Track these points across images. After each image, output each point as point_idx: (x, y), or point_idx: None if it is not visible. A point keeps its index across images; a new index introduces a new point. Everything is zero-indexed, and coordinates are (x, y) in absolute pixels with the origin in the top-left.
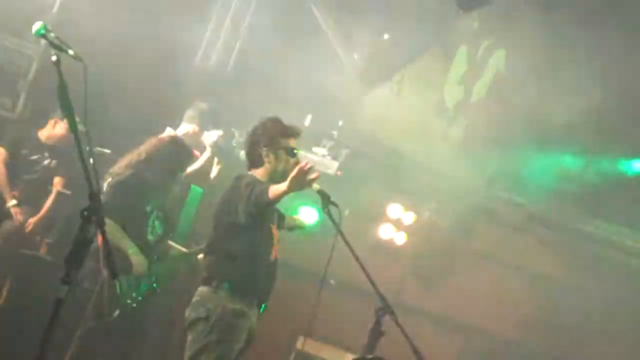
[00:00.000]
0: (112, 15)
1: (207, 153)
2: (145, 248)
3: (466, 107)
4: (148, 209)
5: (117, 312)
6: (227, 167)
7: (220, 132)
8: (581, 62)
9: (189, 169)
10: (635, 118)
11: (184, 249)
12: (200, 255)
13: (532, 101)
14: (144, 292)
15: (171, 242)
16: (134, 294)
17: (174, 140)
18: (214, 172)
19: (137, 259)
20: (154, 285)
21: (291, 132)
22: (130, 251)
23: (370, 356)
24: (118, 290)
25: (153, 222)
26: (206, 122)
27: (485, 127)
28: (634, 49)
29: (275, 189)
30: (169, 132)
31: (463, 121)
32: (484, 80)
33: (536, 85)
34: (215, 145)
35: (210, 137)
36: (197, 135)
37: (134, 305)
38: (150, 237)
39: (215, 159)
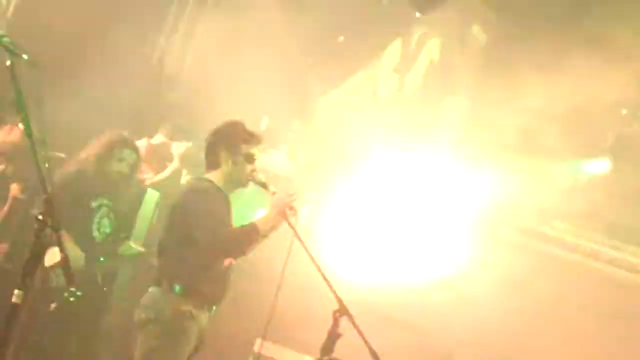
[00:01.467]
0: (67, 20)
1: (175, 164)
2: (89, 244)
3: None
4: (94, 205)
5: (53, 305)
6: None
7: (188, 144)
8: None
9: (156, 178)
10: (583, 118)
11: (140, 249)
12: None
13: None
14: (83, 287)
15: (131, 243)
16: (71, 288)
17: (117, 136)
18: (183, 182)
19: (73, 253)
20: (98, 281)
21: (252, 140)
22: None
23: (327, 358)
24: (53, 284)
25: (100, 219)
26: (176, 134)
27: None
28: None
29: (263, 227)
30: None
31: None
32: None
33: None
34: (183, 157)
35: (178, 148)
36: (167, 147)
37: (72, 299)
38: (95, 234)
39: (184, 170)
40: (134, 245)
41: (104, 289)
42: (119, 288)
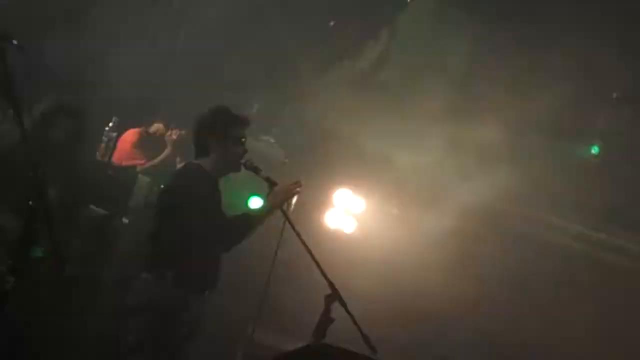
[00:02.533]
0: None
1: (168, 150)
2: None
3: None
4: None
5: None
6: None
7: (182, 131)
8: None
9: (147, 165)
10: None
11: (103, 211)
12: None
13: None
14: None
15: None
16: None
17: (52, 102)
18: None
19: (9, 224)
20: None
21: (239, 122)
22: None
23: (319, 342)
24: None
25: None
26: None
27: None
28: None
29: (258, 220)
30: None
31: None
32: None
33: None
34: (176, 143)
35: (172, 135)
36: (162, 133)
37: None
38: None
39: (178, 158)
40: (96, 209)
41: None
42: (109, 272)
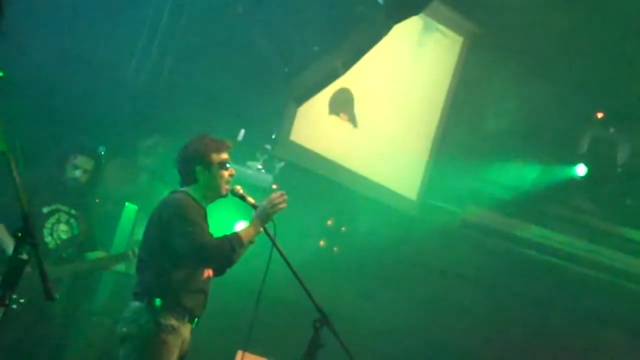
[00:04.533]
0: (43, 30)
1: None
2: (41, 249)
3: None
4: (46, 210)
5: None
6: None
7: None
8: (514, 63)
9: None
10: (566, 124)
11: (104, 254)
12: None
13: (463, 108)
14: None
15: (98, 252)
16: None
17: (73, 143)
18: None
19: None
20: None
21: (222, 147)
22: (8, 250)
23: None
24: None
25: (53, 224)
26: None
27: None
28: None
29: (246, 239)
30: None
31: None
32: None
33: (467, 91)
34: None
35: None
36: None
37: (14, 306)
38: (48, 239)
39: None
40: (104, 254)
41: (56, 296)
42: (99, 302)
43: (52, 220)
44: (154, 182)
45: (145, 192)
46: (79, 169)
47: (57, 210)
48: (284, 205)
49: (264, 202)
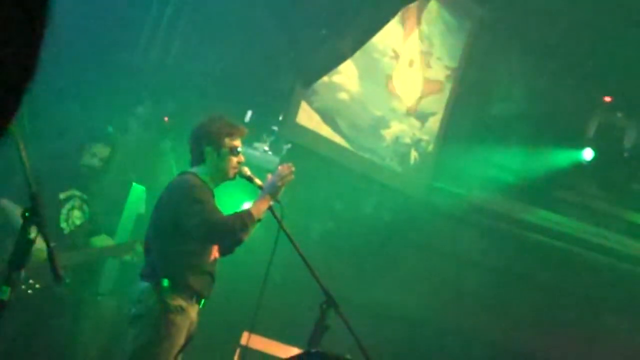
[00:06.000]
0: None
1: None
2: (56, 234)
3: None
4: (62, 196)
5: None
6: None
7: None
8: (521, 48)
9: None
10: (573, 109)
11: (111, 241)
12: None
13: (471, 91)
14: (42, 279)
15: (105, 236)
16: (30, 281)
17: (90, 130)
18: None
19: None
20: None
21: (236, 133)
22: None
23: (314, 350)
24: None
25: (69, 211)
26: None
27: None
28: (572, 35)
29: (256, 215)
30: None
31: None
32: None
33: (475, 73)
34: None
35: None
36: None
37: (30, 291)
38: (63, 225)
39: None
40: (108, 239)
41: (67, 281)
42: (106, 283)
43: (68, 206)
44: (163, 162)
45: (152, 172)
46: (96, 156)
47: (73, 196)
48: (291, 177)
49: (273, 176)
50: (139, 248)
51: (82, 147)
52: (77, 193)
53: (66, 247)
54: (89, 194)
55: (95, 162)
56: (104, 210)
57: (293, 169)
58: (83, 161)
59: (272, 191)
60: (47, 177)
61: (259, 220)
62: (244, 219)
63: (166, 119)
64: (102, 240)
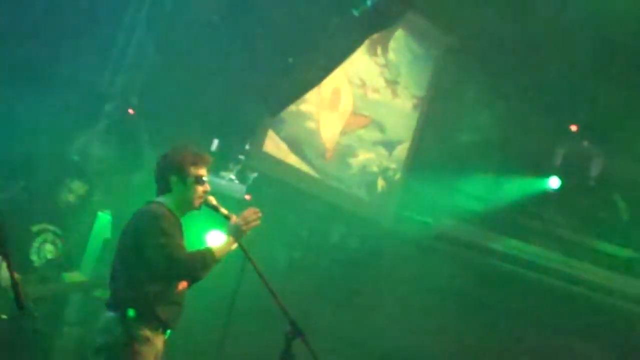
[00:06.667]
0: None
1: None
2: (25, 265)
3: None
4: (34, 229)
5: None
6: None
7: None
8: (488, 76)
9: None
10: (540, 137)
11: (84, 278)
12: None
13: (438, 120)
14: (9, 310)
15: (78, 273)
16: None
17: (69, 166)
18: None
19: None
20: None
21: (201, 162)
22: None
23: None
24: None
25: (41, 244)
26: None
27: None
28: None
29: (219, 256)
30: None
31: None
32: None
33: (442, 104)
34: None
35: None
36: None
37: None
38: (34, 257)
39: None
40: (80, 275)
41: (35, 314)
42: (71, 313)
43: (40, 239)
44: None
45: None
46: (73, 193)
47: (45, 230)
48: (257, 222)
49: (238, 220)
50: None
51: (58, 183)
52: (51, 228)
53: (36, 280)
54: (64, 230)
55: (72, 198)
56: (75, 242)
57: (260, 214)
58: (60, 197)
59: (237, 235)
60: (18, 209)
61: (222, 255)
62: (206, 259)
63: (131, 110)
64: (74, 277)
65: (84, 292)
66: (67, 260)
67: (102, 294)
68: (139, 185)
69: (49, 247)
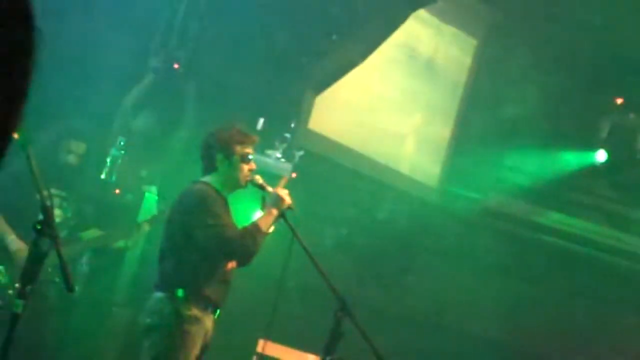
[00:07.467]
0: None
1: None
2: None
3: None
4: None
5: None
6: None
7: None
8: (533, 50)
9: None
10: (586, 110)
11: (101, 232)
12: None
13: (484, 94)
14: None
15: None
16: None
17: (64, 127)
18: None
19: (15, 246)
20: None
21: (247, 140)
22: (9, 238)
23: (329, 358)
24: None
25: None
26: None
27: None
28: (584, 37)
29: (265, 228)
30: None
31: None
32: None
33: (487, 76)
34: None
35: None
36: None
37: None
38: None
39: None
40: (97, 231)
41: (56, 279)
42: (120, 293)
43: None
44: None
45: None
46: (72, 153)
47: (50, 196)
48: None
49: (275, 190)
50: (136, 232)
51: (56, 144)
52: (55, 191)
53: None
54: (68, 192)
55: (71, 159)
56: (90, 206)
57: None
58: (60, 160)
59: (276, 204)
60: (22, 178)
61: (268, 233)
62: (253, 233)
63: (176, 65)
64: (92, 234)
65: (102, 245)
66: (80, 220)
67: (124, 244)
68: (180, 150)
69: (56, 211)
